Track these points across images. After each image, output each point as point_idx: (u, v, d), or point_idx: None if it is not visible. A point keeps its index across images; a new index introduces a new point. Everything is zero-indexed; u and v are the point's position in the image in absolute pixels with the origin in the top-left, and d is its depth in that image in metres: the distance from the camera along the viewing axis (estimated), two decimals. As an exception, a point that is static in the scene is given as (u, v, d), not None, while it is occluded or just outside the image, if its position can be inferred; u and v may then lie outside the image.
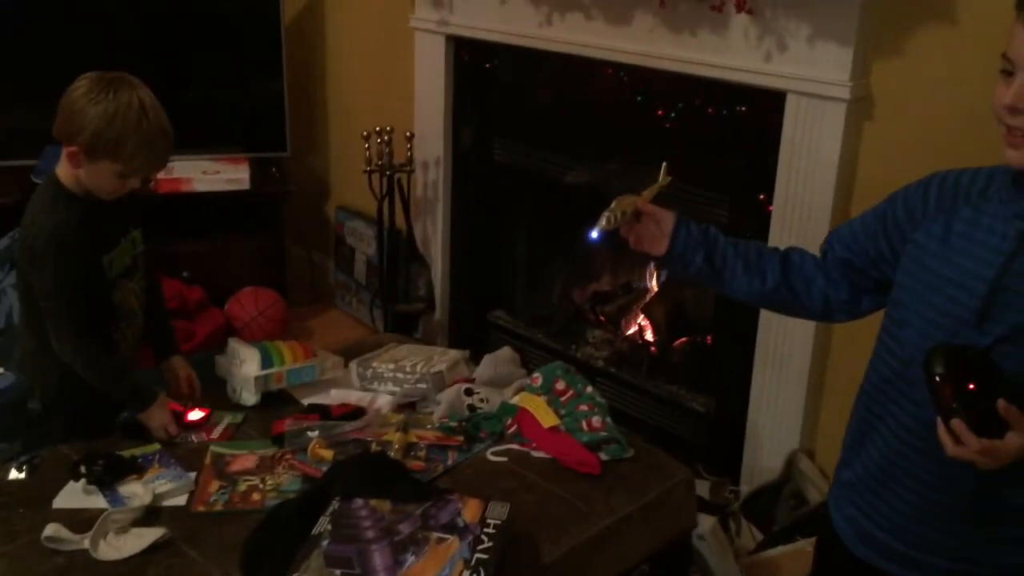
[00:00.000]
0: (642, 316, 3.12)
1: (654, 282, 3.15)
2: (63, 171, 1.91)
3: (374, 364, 2.26)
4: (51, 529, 1.66)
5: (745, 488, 2.55)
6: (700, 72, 2.42)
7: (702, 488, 2.48)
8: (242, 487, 1.85)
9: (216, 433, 2.05)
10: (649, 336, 3.08)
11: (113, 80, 1.84)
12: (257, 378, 2.15)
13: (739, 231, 2.47)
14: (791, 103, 2.27)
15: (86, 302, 1.92)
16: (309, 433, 1.98)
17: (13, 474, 1.87)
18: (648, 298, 3.16)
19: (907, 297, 1.31)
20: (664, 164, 1.63)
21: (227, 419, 2.11)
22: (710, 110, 2.48)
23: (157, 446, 1.97)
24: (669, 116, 2.59)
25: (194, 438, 2.03)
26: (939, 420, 1.17)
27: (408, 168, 3.33)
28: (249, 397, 2.17)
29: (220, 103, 3.62)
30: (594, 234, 1.50)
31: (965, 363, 1.17)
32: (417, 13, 3.23)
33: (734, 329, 2.55)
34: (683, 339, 2.99)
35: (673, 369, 2.92)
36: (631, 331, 3.13)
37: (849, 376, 1.53)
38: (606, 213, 1.49)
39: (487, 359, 2.33)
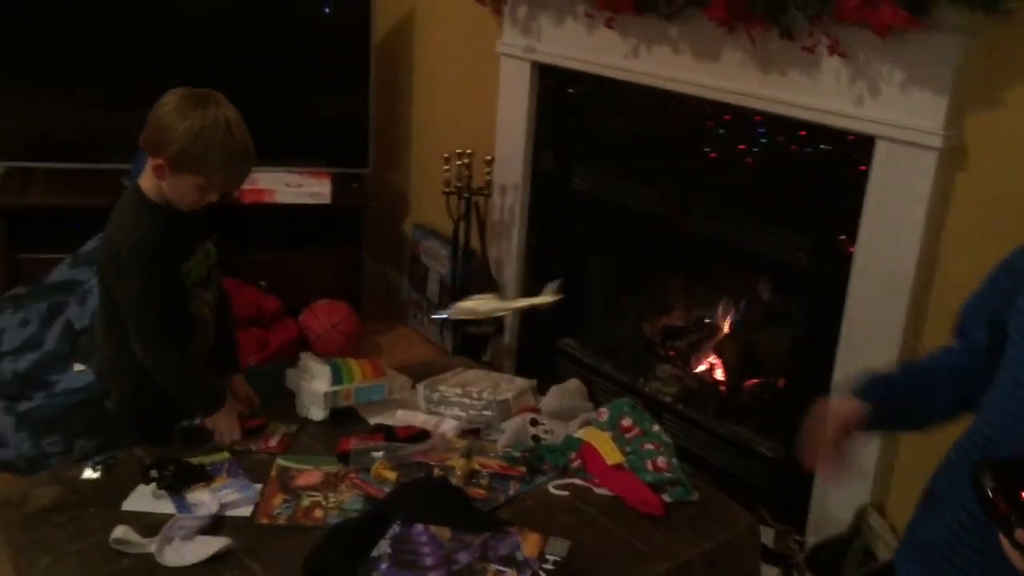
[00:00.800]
0: (713, 354, 3.08)
1: (726, 323, 3.11)
2: (146, 182, 1.97)
3: (441, 388, 2.26)
4: (120, 531, 1.70)
5: (811, 539, 2.48)
6: (789, 112, 2.38)
7: (766, 536, 2.42)
8: (305, 502, 1.87)
9: (273, 441, 2.09)
10: (719, 375, 3.03)
11: (202, 97, 1.89)
12: (326, 394, 2.18)
13: (818, 270, 2.43)
14: (880, 148, 2.22)
15: (166, 309, 1.97)
16: (374, 453, 1.99)
17: (88, 473, 1.92)
18: (720, 336, 3.11)
19: (1010, 365, 1.26)
20: (558, 282, 1.61)
21: (282, 428, 2.14)
22: (793, 147, 2.44)
23: (227, 455, 2.01)
24: (751, 151, 2.56)
25: (253, 446, 2.07)
26: (1001, 536, 1.12)
27: (486, 192, 3.35)
28: (317, 412, 2.20)
29: (307, 118, 3.69)
30: (436, 316, 1.50)
31: (1015, 473, 1.14)
32: (505, 39, 3.26)
33: (808, 373, 2.49)
34: (754, 380, 2.93)
35: (742, 410, 2.87)
36: (701, 368, 3.08)
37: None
38: (455, 305, 1.48)
39: (554, 390, 2.32)
